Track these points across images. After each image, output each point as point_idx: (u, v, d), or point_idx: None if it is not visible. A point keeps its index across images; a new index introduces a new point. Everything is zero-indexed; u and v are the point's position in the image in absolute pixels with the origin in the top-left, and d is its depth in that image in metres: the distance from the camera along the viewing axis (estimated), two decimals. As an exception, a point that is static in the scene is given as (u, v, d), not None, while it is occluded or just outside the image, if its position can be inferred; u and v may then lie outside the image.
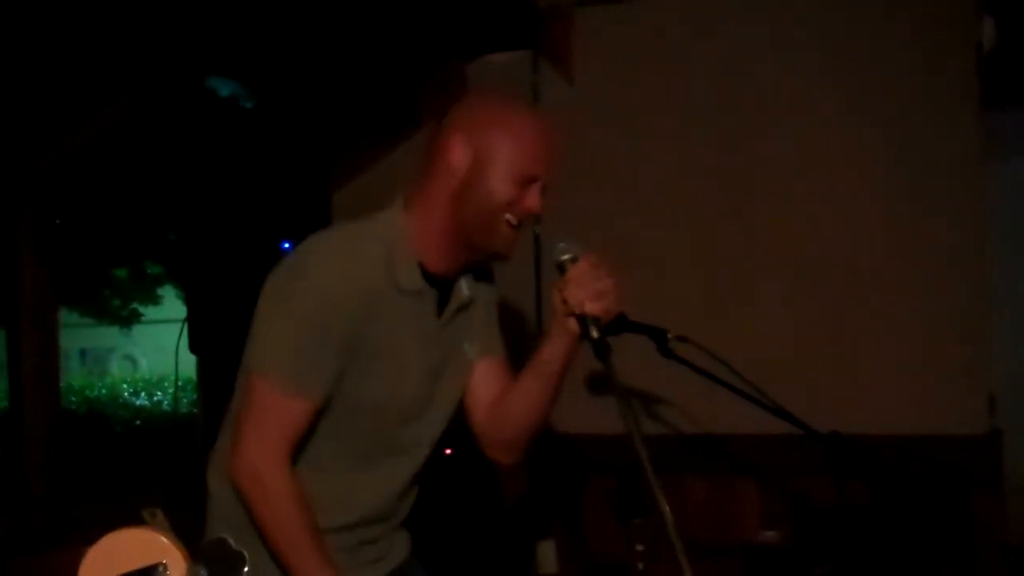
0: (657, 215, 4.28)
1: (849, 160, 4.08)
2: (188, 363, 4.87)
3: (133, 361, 21.43)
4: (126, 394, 16.00)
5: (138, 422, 12.72)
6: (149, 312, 14.48)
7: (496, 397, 2.29)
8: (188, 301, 4.22)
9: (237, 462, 2.06)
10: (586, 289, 2.01)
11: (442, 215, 2.10)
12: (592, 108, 4.36)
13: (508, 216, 2.08)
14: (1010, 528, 4.22)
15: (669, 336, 3.10)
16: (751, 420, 3.17)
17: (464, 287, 2.23)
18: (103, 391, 16.38)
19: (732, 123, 4.20)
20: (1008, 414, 4.79)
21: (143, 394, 15.78)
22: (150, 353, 19.47)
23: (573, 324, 2.05)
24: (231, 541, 1.66)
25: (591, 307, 2.00)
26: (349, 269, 2.05)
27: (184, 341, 4.18)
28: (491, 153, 2.06)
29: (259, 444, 2.05)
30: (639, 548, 3.36)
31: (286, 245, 4.09)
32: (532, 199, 2.09)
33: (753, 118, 4.18)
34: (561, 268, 2.06)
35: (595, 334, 1.99)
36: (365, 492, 2.23)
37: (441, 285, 2.17)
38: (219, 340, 4.19)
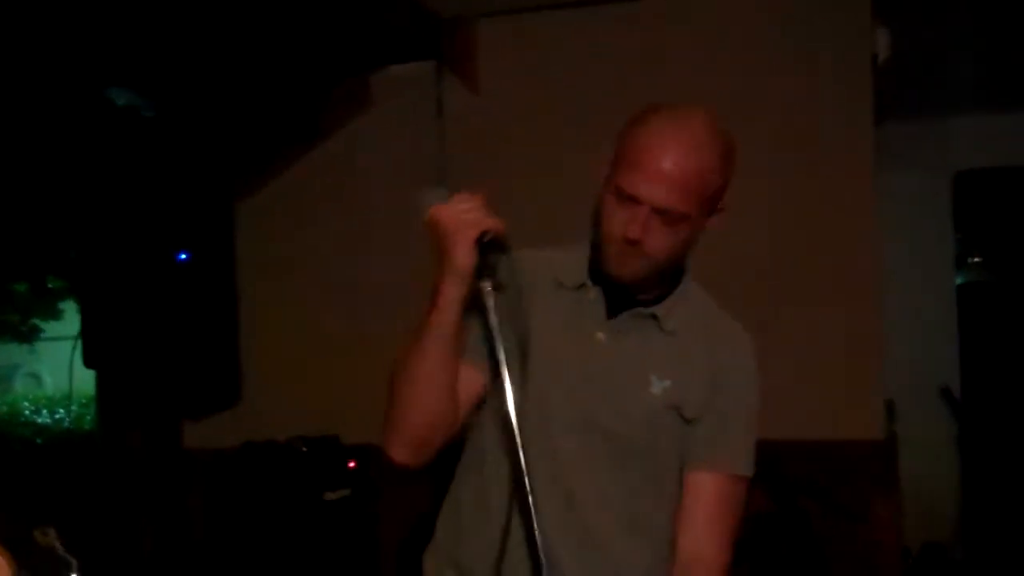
0: (561, 225, 4.28)
1: (746, 171, 4.10)
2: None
3: (38, 379, 20.86)
4: (27, 412, 15.58)
5: (39, 440, 12.38)
6: (51, 328, 14.12)
7: (680, 517, 1.99)
8: (82, 313, 4.12)
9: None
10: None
11: None
12: (497, 118, 4.36)
13: (604, 235, 1.93)
14: (907, 532, 4.31)
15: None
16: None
17: (671, 317, 2.00)
18: (3, 409, 15.93)
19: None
20: (905, 420, 4.91)
21: (45, 412, 15.37)
22: (56, 371, 19.00)
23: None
24: (59, 546, 1.60)
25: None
26: (533, 263, 2.02)
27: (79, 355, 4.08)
28: (612, 163, 1.94)
29: None
30: None
31: (182, 256, 4.03)
32: (627, 220, 1.87)
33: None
34: None
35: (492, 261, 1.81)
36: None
37: (620, 291, 1.97)
38: (116, 353, 4.10)
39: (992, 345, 6.64)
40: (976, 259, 7.18)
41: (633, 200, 1.86)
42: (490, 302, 1.81)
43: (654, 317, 1.99)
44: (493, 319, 1.80)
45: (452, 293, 1.83)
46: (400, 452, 1.94)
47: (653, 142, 1.86)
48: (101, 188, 4.32)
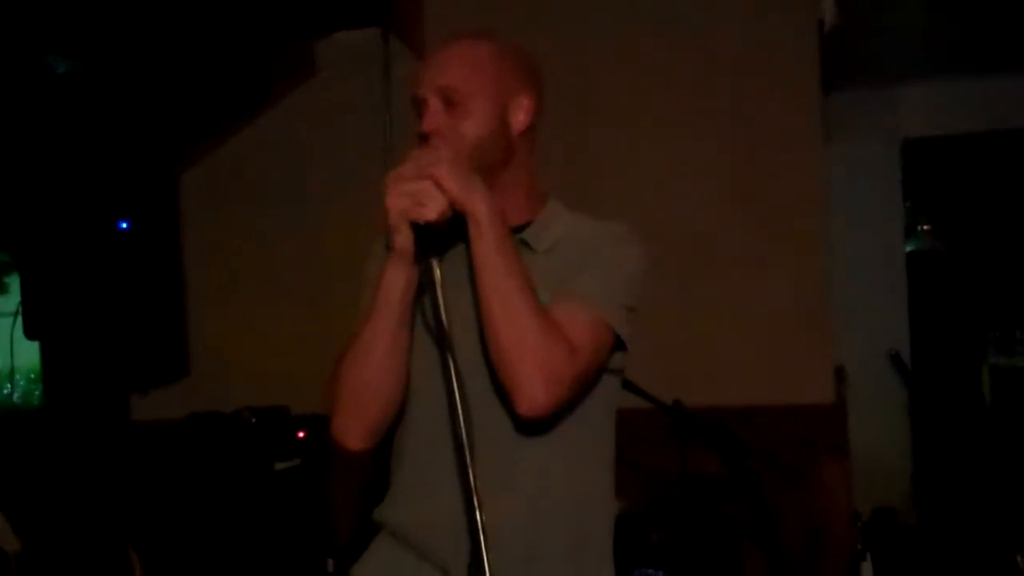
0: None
1: (695, 138, 4.13)
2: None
3: (-15, 355, 20.59)
4: (-28, 388, 15.42)
5: (-14, 417, 12.23)
6: (-1, 303, 13.94)
7: None
8: (22, 283, 4.05)
9: None
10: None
11: None
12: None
13: None
14: (856, 497, 4.34)
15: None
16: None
17: (541, 237, 1.99)
18: (-50, 386, 15.73)
19: (579, 102, 4.19)
20: (856, 386, 4.94)
21: (-9, 388, 15.22)
22: (5, 346, 18.76)
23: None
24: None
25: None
26: None
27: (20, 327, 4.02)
28: None
29: None
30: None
31: (123, 224, 3.96)
32: (421, 123, 1.91)
33: (600, 99, 4.18)
34: None
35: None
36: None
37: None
38: (58, 324, 4.03)
39: (941, 312, 6.71)
40: (926, 227, 7.24)
41: (422, 102, 1.91)
42: (435, 276, 1.76)
43: (524, 243, 1.96)
44: (439, 293, 1.75)
45: (393, 274, 1.82)
46: (356, 439, 1.92)
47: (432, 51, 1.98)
48: (40, 156, 4.24)
